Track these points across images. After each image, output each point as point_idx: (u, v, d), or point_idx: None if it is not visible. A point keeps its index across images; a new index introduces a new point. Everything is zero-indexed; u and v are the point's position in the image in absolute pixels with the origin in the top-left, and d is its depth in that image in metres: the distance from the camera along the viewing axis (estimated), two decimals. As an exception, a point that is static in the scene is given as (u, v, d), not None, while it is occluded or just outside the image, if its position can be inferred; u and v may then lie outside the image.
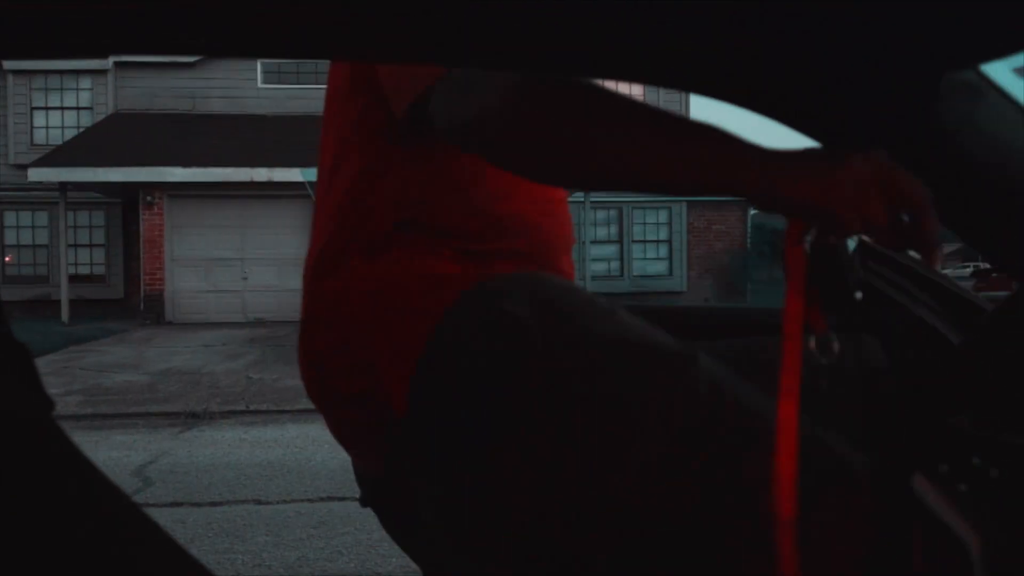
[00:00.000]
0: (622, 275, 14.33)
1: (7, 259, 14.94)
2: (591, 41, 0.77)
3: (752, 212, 15.36)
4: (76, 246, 14.66)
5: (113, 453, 4.86)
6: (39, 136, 14.86)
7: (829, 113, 0.87)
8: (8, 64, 13.99)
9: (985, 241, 0.90)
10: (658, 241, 14.54)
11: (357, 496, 1.07)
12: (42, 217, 14.88)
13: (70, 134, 14.42)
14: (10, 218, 14.95)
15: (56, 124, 15.00)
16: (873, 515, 0.70)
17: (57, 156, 12.47)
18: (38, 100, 15.05)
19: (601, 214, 14.07)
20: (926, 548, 0.66)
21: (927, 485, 0.66)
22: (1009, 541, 0.57)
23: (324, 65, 1.06)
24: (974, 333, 0.91)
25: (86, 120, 14.86)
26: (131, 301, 14.45)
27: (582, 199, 12.16)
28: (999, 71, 0.78)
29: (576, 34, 0.74)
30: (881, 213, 0.63)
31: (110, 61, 14.29)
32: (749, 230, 14.74)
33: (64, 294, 12.61)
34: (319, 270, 0.89)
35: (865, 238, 1.24)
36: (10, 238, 15.00)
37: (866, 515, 0.89)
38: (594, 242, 13.56)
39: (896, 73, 0.79)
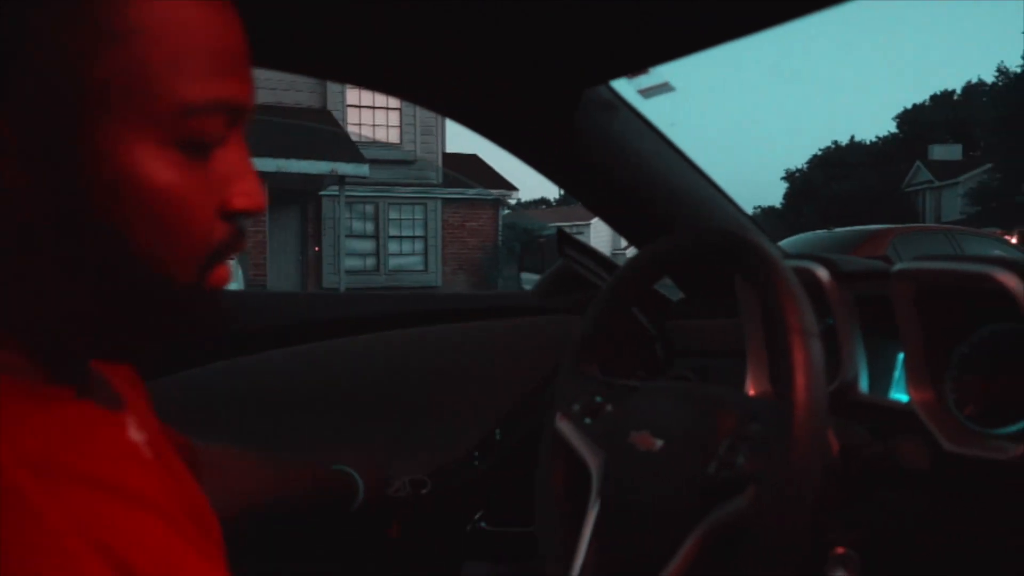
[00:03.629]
0: (378, 270, 14.35)
1: None
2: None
3: (504, 211, 16.15)
4: None
5: None
6: None
7: (489, 116, 1.03)
8: None
9: (619, 224, 1.14)
10: (414, 237, 14.75)
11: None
12: None
13: None
14: None
15: None
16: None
17: None
18: None
19: (357, 208, 13.97)
20: (566, 473, 0.82)
21: (565, 421, 0.81)
22: (615, 460, 0.74)
23: None
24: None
25: None
26: None
27: (336, 193, 12.01)
28: (628, 91, 0.97)
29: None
30: None
31: None
32: (501, 228, 15.46)
33: None
34: None
35: (565, 231, 1.46)
36: None
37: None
38: (350, 236, 13.43)
39: (540, 86, 0.96)
